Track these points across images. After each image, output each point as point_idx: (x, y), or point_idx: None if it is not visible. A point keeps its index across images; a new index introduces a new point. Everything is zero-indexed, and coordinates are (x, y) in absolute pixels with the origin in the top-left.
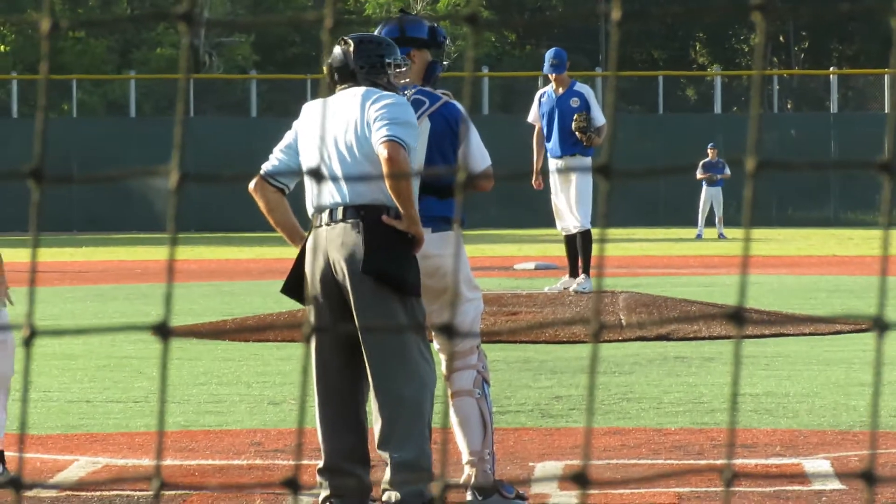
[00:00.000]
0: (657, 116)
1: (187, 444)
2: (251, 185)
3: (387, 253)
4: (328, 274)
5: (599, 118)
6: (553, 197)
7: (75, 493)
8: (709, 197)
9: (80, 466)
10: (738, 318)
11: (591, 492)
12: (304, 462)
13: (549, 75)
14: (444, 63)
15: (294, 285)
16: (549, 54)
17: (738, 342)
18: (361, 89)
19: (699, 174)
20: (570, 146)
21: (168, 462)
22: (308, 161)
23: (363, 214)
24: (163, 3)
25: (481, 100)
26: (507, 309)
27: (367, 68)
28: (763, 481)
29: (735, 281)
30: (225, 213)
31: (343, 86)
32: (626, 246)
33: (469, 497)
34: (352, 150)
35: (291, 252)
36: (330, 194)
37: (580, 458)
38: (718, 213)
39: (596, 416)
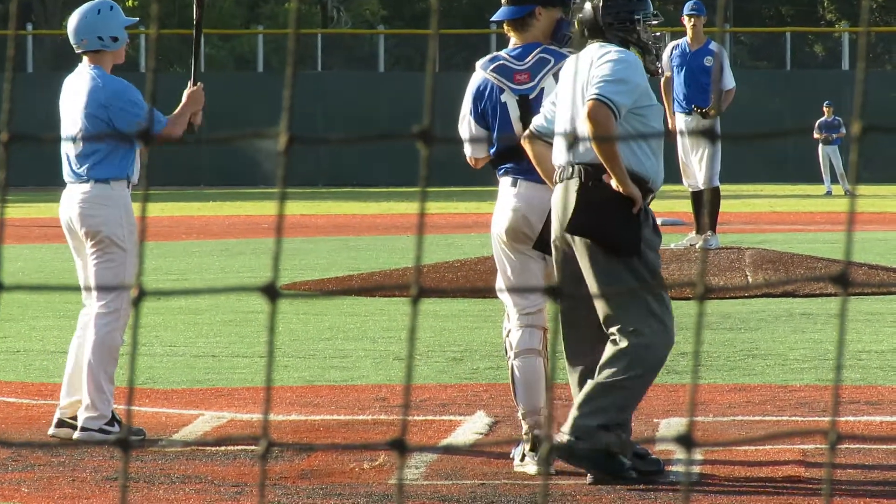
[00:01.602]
0: (785, 73)
1: (312, 399)
2: (523, 137)
3: (597, 213)
4: (557, 231)
5: (729, 81)
6: (680, 153)
7: (200, 447)
8: (825, 154)
9: (205, 421)
10: (843, 281)
11: (717, 449)
12: (431, 418)
13: (687, 24)
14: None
15: (542, 239)
16: (689, 3)
17: (844, 301)
18: (596, 45)
19: (815, 134)
20: (699, 103)
21: (293, 417)
22: (559, 115)
23: (582, 173)
24: None
25: None
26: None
27: (617, 24)
28: (888, 438)
29: (863, 237)
30: (353, 168)
31: (593, 41)
32: (753, 202)
33: None
34: (580, 108)
35: (417, 209)
36: (561, 151)
37: (703, 415)
38: (839, 169)
39: (721, 372)
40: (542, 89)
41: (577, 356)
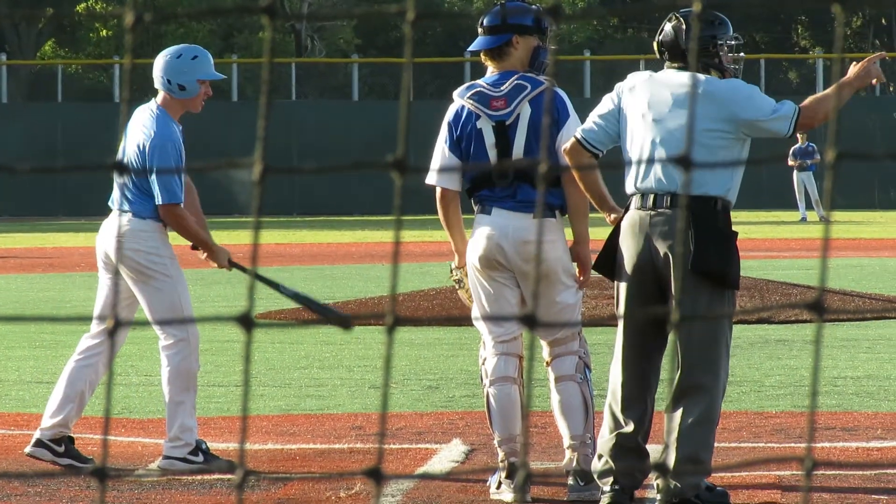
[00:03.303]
0: None
1: (288, 428)
2: (566, 146)
3: (715, 248)
4: (647, 259)
5: None
6: None
7: (177, 476)
8: (800, 181)
9: None
10: (818, 308)
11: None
12: (407, 446)
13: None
14: (552, 48)
15: (606, 262)
16: None
17: (819, 328)
18: (700, 77)
19: (790, 161)
20: None
21: (269, 446)
22: (633, 136)
23: (693, 206)
24: None
25: (583, 83)
26: (608, 293)
27: (699, 48)
28: (864, 464)
29: (838, 264)
30: (327, 196)
31: (673, 64)
32: None
33: (570, 482)
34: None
35: (391, 237)
36: (656, 178)
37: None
38: (813, 195)
39: None
40: (519, 115)
41: (631, 375)
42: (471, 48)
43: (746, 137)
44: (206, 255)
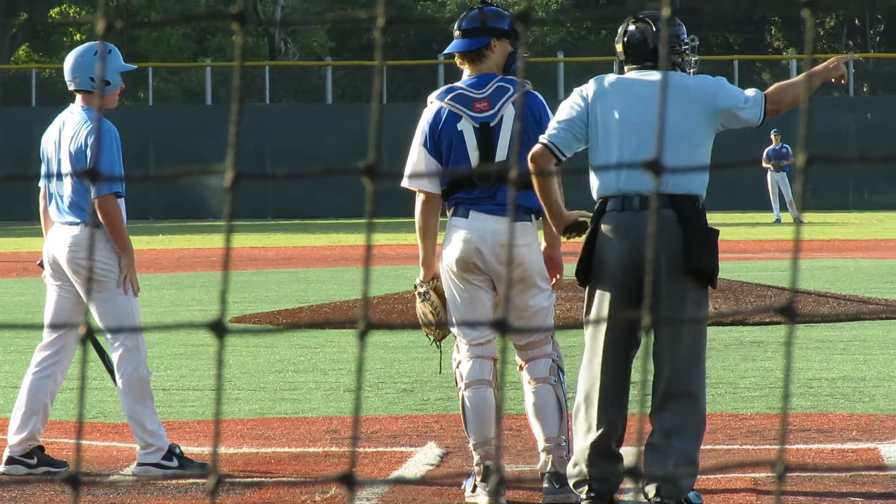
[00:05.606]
0: None
1: (263, 432)
2: (533, 152)
3: (704, 246)
4: (631, 261)
5: None
6: None
7: (151, 481)
8: (774, 182)
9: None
10: (790, 312)
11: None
12: (382, 449)
13: None
14: (526, 54)
15: (586, 268)
16: None
17: (791, 332)
18: (672, 74)
19: (764, 163)
20: None
21: (244, 450)
22: (609, 139)
23: (680, 205)
24: None
25: (557, 85)
26: (582, 294)
27: (668, 47)
28: (839, 466)
29: (812, 265)
30: (301, 200)
31: (637, 65)
32: None
33: (545, 484)
34: (674, 137)
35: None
36: (639, 179)
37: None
38: (788, 196)
39: None
40: (503, 117)
41: (611, 381)
42: (448, 50)
43: (720, 130)
44: (124, 261)
